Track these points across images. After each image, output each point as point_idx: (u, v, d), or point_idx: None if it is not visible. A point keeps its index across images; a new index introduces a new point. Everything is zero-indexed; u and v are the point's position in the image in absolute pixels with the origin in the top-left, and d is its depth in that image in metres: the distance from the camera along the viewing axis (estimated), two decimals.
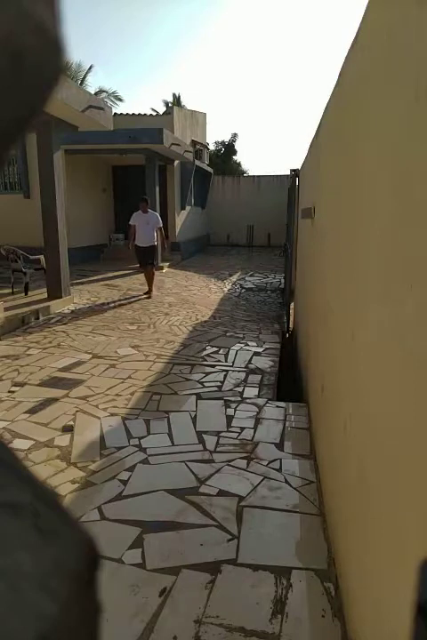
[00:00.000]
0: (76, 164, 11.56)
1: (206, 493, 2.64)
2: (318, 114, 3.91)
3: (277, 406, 3.89)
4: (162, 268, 11.85)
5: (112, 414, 3.64)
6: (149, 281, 8.55)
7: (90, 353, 5.11)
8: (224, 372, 4.64)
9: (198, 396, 4.02)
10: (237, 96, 77.11)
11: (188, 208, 15.50)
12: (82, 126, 7.47)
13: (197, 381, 4.39)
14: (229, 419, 3.61)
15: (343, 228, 2.27)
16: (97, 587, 0.19)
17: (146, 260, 8.41)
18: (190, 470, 2.88)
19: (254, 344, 5.68)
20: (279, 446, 3.20)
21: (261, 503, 2.57)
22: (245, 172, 27.15)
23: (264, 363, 4.99)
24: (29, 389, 4.07)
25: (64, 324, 6.40)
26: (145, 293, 8.55)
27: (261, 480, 2.78)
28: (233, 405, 3.86)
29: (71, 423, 3.46)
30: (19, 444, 3.11)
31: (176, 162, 13.86)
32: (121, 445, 3.16)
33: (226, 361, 5.01)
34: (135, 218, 8.29)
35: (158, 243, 8.77)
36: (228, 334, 6.10)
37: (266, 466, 2.95)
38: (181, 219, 14.77)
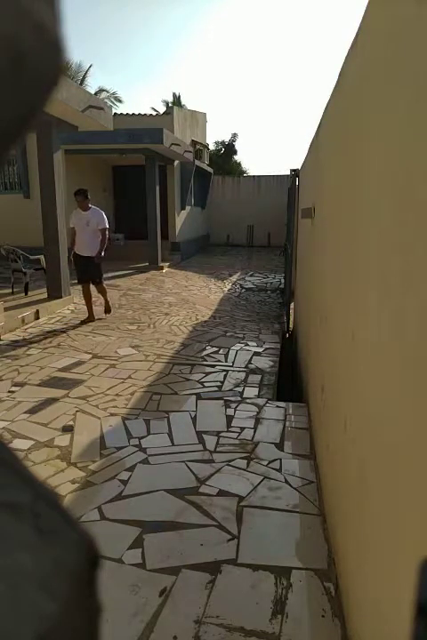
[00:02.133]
0: (76, 164, 11.57)
1: (206, 493, 2.64)
2: (318, 114, 3.92)
3: (277, 406, 3.89)
4: (162, 267, 11.85)
5: (112, 414, 3.64)
6: (104, 297, 6.67)
7: (90, 353, 5.11)
8: (224, 372, 4.64)
9: (198, 396, 4.02)
10: (237, 96, 77.11)
11: (188, 208, 15.50)
12: (82, 126, 7.47)
13: (197, 381, 4.39)
14: (229, 419, 3.61)
15: (343, 227, 2.27)
16: (97, 587, 0.19)
17: (86, 275, 6.35)
18: (190, 470, 2.88)
19: (254, 344, 5.68)
20: (279, 446, 3.20)
21: (261, 503, 2.57)
22: (245, 172, 27.13)
23: (264, 363, 4.99)
24: (29, 389, 4.07)
25: (64, 323, 6.40)
26: (83, 321, 6.44)
27: (261, 480, 2.78)
28: (233, 405, 3.86)
29: (71, 423, 3.46)
30: (19, 444, 3.11)
31: (176, 162, 13.86)
32: (121, 445, 3.16)
33: (226, 361, 5.01)
34: (73, 218, 6.29)
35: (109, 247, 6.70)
36: (228, 334, 6.10)
37: (266, 466, 2.95)
38: (180, 219, 14.77)
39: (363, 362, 1.65)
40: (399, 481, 1.16)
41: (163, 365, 4.79)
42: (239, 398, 4.02)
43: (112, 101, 21.07)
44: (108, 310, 6.83)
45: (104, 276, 6.85)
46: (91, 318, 6.50)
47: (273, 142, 66.66)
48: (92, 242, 6.22)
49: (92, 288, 6.54)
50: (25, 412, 3.61)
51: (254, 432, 3.41)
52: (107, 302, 6.80)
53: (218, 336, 5.99)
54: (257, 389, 4.23)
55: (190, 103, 46.84)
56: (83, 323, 6.41)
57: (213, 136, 28.08)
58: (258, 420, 3.60)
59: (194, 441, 3.25)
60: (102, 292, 6.68)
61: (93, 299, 6.65)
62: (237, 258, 15.90)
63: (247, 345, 5.62)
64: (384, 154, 1.44)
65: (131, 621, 1.80)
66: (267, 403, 3.93)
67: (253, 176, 20.83)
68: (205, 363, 4.93)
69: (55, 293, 7.31)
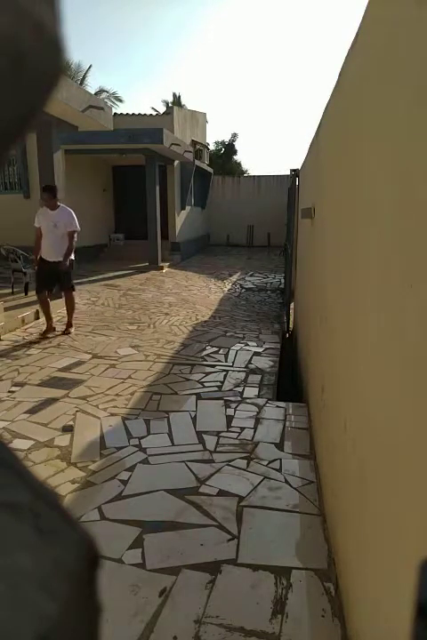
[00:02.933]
0: (76, 164, 11.56)
1: (206, 493, 2.64)
2: (318, 114, 3.92)
3: (277, 406, 3.89)
4: (162, 267, 11.85)
5: (112, 414, 3.64)
6: (70, 310, 5.85)
7: (90, 353, 5.10)
8: (224, 372, 4.63)
9: (198, 396, 4.02)
10: (237, 96, 77.13)
11: (188, 208, 15.50)
12: (82, 126, 7.48)
13: (197, 381, 4.39)
14: (229, 419, 3.61)
15: (343, 227, 2.27)
16: (97, 587, 0.19)
17: (51, 283, 5.62)
18: (190, 470, 2.88)
19: (254, 344, 5.67)
20: (279, 446, 3.20)
21: (261, 503, 2.57)
22: (245, 172, 27.14)
23: (264, 363, 4.99)
24: (29, 389, 4.06)
25: (64, 324, 6.40)
26: (43, 333, 5.63)
27: (261, 480, 2.78)
28: (233, 405, 3.86)
29: (71, 423, 3.46)
30: (19, 444, 3.11)
31: (176, 162, 13.87)
32: (121, 445, 3.16)
33: (226, 361, 5.01)
34: (39, 217, 5.54)
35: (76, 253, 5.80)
36: (228, 334, 6.10)
37: (266, 466, 2.95)
38: (180, 219, 14.77)
39: (363, 362, 1.65)
40: (399, 481, 1.16)
41: (163, 365, 4.79)
42: (239, 398, 4.02)
43: (112, 101, 21.08)
44: (68, 328, 5.85)
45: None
46: (50, 328, 5.72)
47: (273, 142, 66.75)
48: (60, 245, 5.50)
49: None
50: (25, 412, 3.61)
51: (254, 432, 3.40)
52: (70, 319, 5.89)
53: (218, 336, 5.99)
54: (257, 389, 4.23)
55: (190, 103, 46.87)
56: (43, 336, 5.59)
57: (213, 136, 28.15)
58: (258, 420, 3.60)
59: (194, 441, 3.25)
60: (70, 303, 5.83)
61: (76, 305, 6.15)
62: (237, 258, 15.90)
63: (247, 345, 5.62)
64: (384, 154, 1.44)
65: (131, 621, 1.80)
66: (267, 403, 3.93)
67: (253, 176, 20.84)
68: (205, 363, 4.93)
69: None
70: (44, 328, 5.73)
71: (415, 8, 1.09)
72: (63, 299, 5.99)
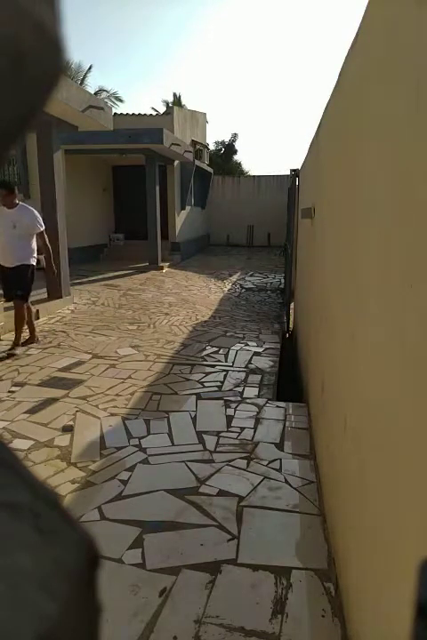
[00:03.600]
0: (76, 164, 11.57)
1: (206, 493, 2.64)
2: (318, 114, 3.92)
3: (277, 406, 3.89)
4: (162, 267, 11.85)
5: (112, 414, 3.64)
6: (18, 324, 5.00)
7: (90, 353, 5.10)
8: (224, 372, 4.63)
9: (198, 396, 4.02)
10: (237, 96, 77.17)
11: (188, 208, 15.50)
12: (82, 126, 7.47)
13: (197, 381, 4.39)
14: (229, 419, 3.61)
15: (343, 227, 2.27)
16: (97, 587, 0.19)
17: (11, 289, 4.93)
18: (190, 470, 2.88)
19: (254, 344, 5.68)
20: (279, 446, 3.20)
21: (261, 503, 2.57)
22: (245, 172, 27.14)
23: (264, 363, 4.99)
24: (29, 389, 4.06)
25: (64, 324, 6.40)
26: (10, 350, 4.97)
27: (261, 480, 2.78)
28: (233, 405, 3.86)
29: (71, 423, 3.46)
30: (19, 444, 3.11)
31: (176, 162, 13.87)
32: (121, 445, 3.16)
33: (226, 361, 5.01)
34: None
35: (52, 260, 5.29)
36: (228, 334, 6.10)
37: (266, 466, 2.95)
38: (180, 219, 14.77)
39: (363, 362, 1.65)
40: (399, 481, 1.16)
41: (163, 365, 4.79)
42: (239, 398, 4.02)
43: (113, 101, 21.08)
44: (15, 346, 5.04)
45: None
46: (33, 338, 5.30)
47: (273, 142, 66.81)
48: (20, 248, 4.86)
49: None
50: (25, 412, 3.61)
51: (254, 432, 3.40)
52: (17, 334, 5.07)
53: (218, 336, 5.99)
54: (257, 389, 4.23)
55: (190, 103, 46.87)
56: (24, 345, 5.17)
57: (213, 136, 28.16)
58: (258, 420, 3.60)
59: (194, 441, 3.25)
60: (19, 317, 5.02)
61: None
62: (237, 258, 15.90)
63: (247, 345, 5.62)
64: (384, 154, 1.44)
65: (131, 621, 1.80)
66: (267, 403, 3.93)
67: (254, 176, 20.86)
68: (205, 363, 4.93)
69: (55, 294, 7.31)
70: (27, 336, 5.28)
71: (415, 8, 1.09)
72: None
